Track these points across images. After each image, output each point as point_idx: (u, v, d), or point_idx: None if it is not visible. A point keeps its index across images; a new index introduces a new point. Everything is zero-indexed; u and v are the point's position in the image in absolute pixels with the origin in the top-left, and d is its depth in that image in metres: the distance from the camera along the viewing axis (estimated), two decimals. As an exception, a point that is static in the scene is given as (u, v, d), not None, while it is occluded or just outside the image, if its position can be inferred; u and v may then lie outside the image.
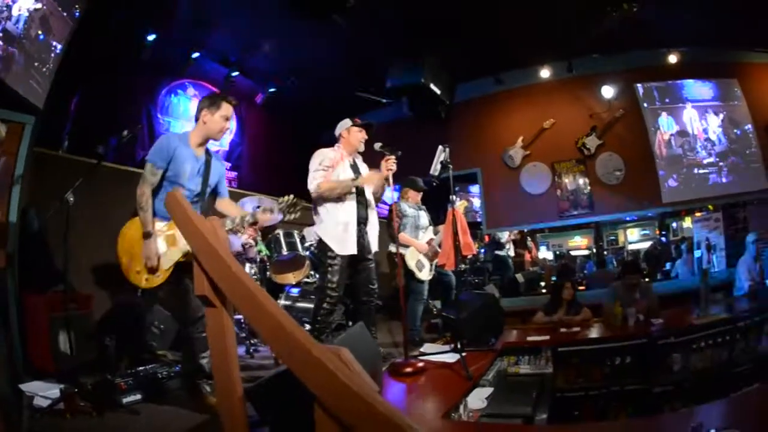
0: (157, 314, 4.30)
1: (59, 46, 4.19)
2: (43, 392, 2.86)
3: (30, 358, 3.50)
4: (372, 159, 4.12)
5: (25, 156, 3.80)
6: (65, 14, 4.23)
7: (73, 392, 2.75)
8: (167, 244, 3.02)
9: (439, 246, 5.10)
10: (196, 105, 3.27)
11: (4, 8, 3.47)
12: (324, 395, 1.20)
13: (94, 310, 4.10)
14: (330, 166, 3.88)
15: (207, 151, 3.25)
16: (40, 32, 3.94)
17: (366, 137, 4.06)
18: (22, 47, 3.71)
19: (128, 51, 6.28)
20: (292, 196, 3.05)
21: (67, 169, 4.36)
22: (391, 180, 3.91)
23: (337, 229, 3.81)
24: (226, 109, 3.16)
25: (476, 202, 9.08)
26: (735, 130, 7.76)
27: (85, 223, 4.00)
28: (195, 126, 3.21)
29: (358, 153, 4.17)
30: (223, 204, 3.37)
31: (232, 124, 8.34)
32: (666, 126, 7.88)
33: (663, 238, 8.48)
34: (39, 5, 3.83)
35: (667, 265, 8.15)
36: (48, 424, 2.66)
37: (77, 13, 4.36)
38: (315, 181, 3.79)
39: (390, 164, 3.85)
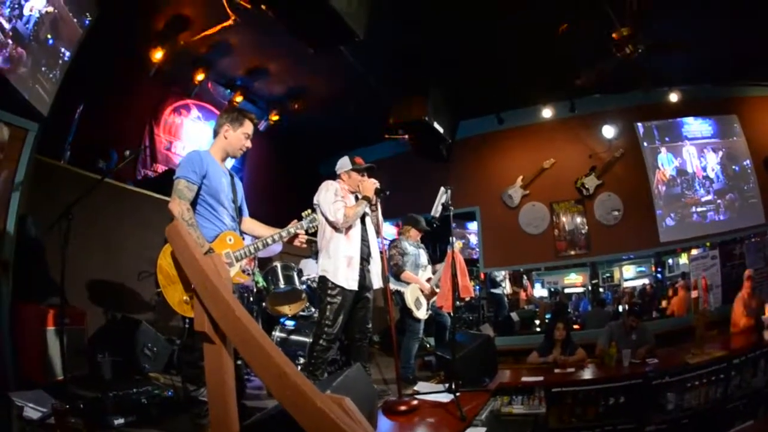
0: (149, 336, 4.25)
1: (67, 53, 4.13)
2: (34, 404, 2.80)
3: (20, 367, 3.41)
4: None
5: (27, 163, 3.73)
6: (75, 20, 4.17)
7: (65, 409, 2.69)
8: None
9: (437, 285, 5.05)
10: (216, 120, 3.13)
11: (16, 6, 3.43)
12: (327, 445, 1.22)
13: (87, 326, 4.06)
14: (343, 197, 3.85)
15: (228, 170, 3.13)
16: (49, 36, 3.87)
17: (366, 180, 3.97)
18: (31, 50, 3.64)
19: (135, 65, 6.30)
20: (310, 210, 3.13)
21: (67, 181, 4.44)
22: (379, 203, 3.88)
23: (342, 263, 3.74)
24: (249, 126, 3.04)
25: (473, 239, 8.98)
26: (734, 167, 7.75)
27: (81, 238, 3.86)
28: (214, 141, 3.06)
29: None
30: (246, 223, 3.24)
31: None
32: (666, 163, 7.90)
33: (659, 275, 8.44)
34: (51, 8, 3.79)
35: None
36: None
37: (87, 21, 4.32)
38: (339, 212, 3.71)
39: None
